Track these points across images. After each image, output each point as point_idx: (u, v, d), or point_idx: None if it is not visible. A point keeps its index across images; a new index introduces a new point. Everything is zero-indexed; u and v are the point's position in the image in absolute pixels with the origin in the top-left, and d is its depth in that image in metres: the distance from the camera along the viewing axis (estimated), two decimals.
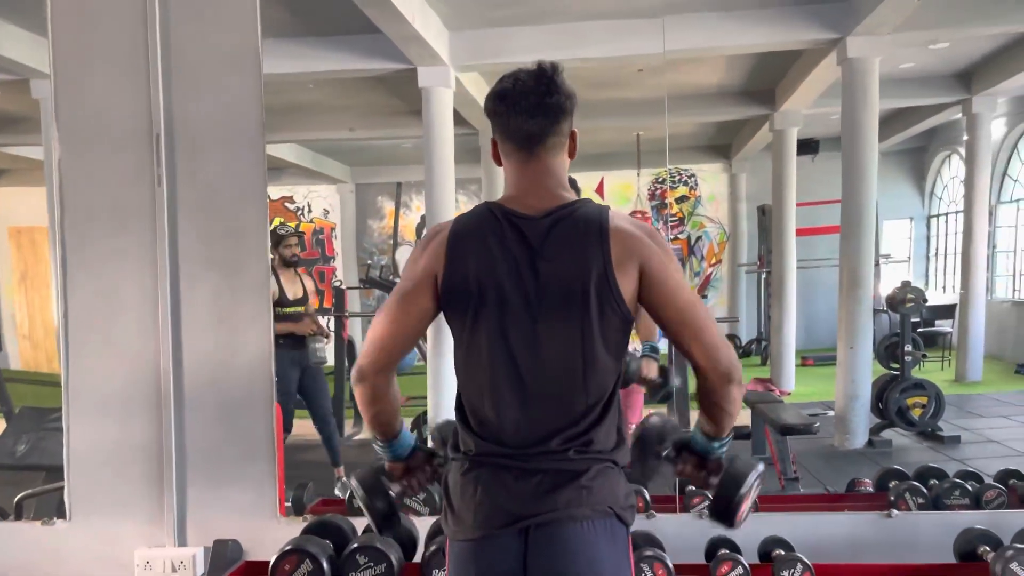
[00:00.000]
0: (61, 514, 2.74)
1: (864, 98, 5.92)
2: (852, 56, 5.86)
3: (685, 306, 1.49)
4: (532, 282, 1.48)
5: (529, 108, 1.50)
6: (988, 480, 2.88)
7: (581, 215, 1.50)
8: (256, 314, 2.64)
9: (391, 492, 1.64)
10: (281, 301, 4.87)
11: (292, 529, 2.52)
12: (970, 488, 2.60)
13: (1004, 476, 2.74)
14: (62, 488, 2.72)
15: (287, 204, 12.68)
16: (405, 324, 1.53)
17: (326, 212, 12.54)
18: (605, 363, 1.49)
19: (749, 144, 10.63)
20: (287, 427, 4.95)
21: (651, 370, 3.09)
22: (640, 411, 4.53)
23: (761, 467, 1.62)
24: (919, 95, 8.25)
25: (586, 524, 1.45)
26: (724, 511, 1.57)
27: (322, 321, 5.25)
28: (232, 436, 2.65)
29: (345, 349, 6.55)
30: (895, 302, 6.10)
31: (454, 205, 6.63)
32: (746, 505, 1.56)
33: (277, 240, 4.93)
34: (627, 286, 1.48)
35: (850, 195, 5.99)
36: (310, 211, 12.59)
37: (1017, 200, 9.59)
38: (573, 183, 3.45)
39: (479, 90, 7.71)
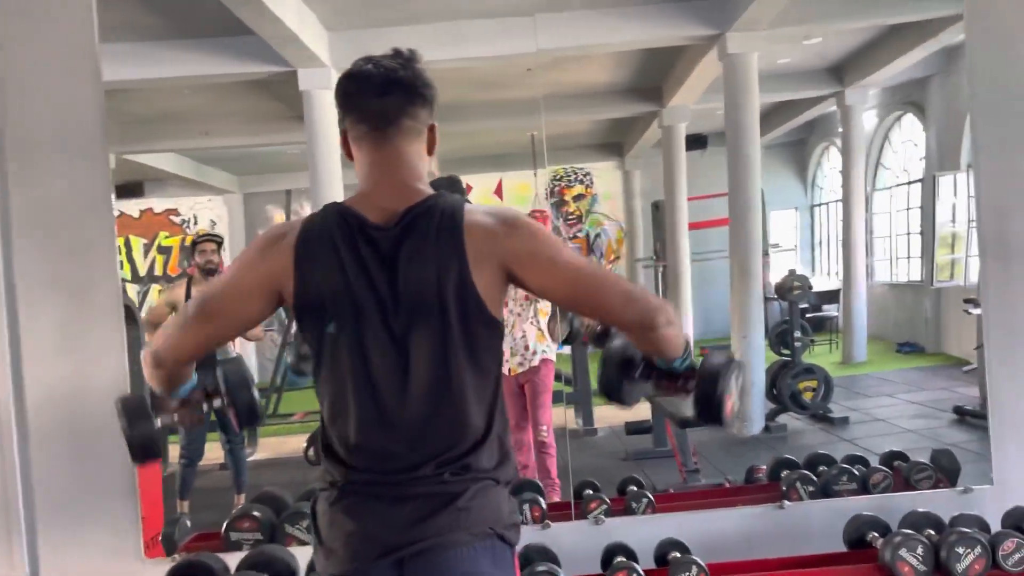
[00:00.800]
0: None
1: (745, 93, 6.05)
2: (732, 52, 5.97)
3: (573, 279, 1.40)
4: (388, 293, 1.37)
5: (383, 84, 1.42)
6: (874, 463, 2.92)
7: (435, 215, 1.39)
8: (110, 337, 2.41)
9: (156, 422, 1.52)
10: None
11: (157, 572, 2.31)
12: (857, 472, 2.62)
13: (889, 458, 2.79)
14: None
15: (172, 217, 12.06)
16: (227, 327, 1.46)
17: (213, 224, 11.97)
18: (475, 375, 1.38)
19: (640, 141, 10.77)
20: (199, 453, 4.63)
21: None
22: (550, 411, 4.44)
23: (737, 359, 1.56)
24: (796, 89, 8.54)
25: (465, 549, 1.34)
26: (709, 411, 1.50)
27: None
28: (87, 473, 2.41)
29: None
30: (783, 290, 6.27)
31: None
32: (730, 401, 1.51)
33: (192, 247, 4.64)
34: (490, 288, 1.37)
35: (736, 188, 6.11)
36: (196, 223, 12.01)
37: (890, 187, 10.07)
38: (456, 184, 3.32)
39: None
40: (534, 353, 4.33)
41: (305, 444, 6.17)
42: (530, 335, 4.32)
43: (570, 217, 12.77)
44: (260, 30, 5.11)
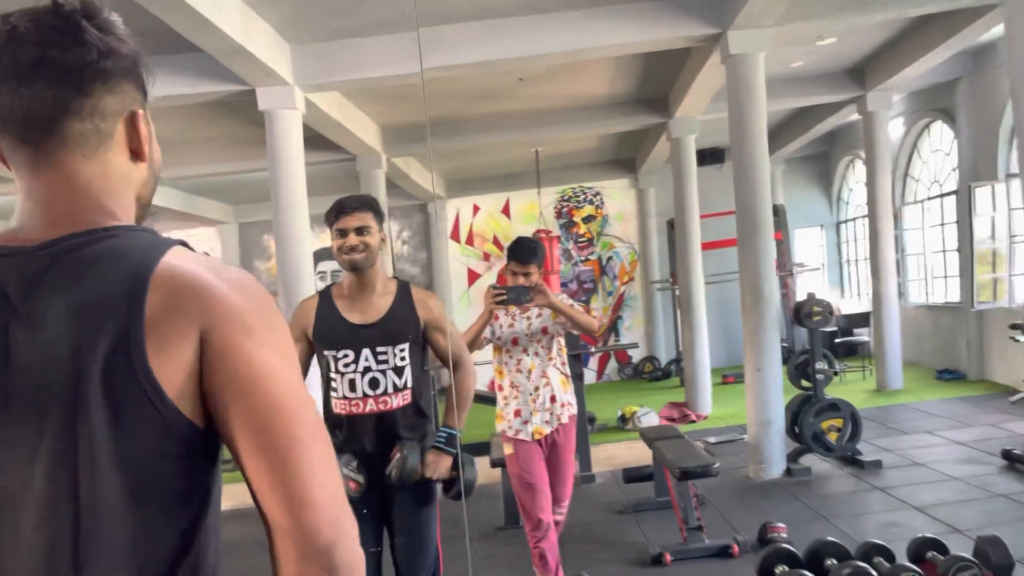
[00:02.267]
0: None
1: (750, 97, 5.42)
2: (735, 52, 5.37)
3: (270, 411, 0.79)
4: None
5: (21, 66, 0.81)
6: (910, 538, 2.25)
7: (108, 248, 0.81)
8: None
9: None
10: None
11: None
12: (876, 573, 1.96)
13: (919, 548, 2.12)
14: None
15: None
16: None
17: (207, 255, 11.58)
18: (140, 517, 0.78)
19: (652, 156, 10.18)
20: None
21: (440, 467, 2.40)
22: (572, 480, 3.44)
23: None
24: (812, 94, 7.89)
25: None
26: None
27: None
28: None
29: None
30: (801, 315, 5.57)
31: (309, 244, 5.87)
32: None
33: None
34: (177, 369, 0.78)
35: (743, 203, 5.47)
36: None
37: (921, 200, 9.32)
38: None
39: (345, 112, 7.01)
40: (563, 406, 3.30)
41: None
42: (555, 381, 3.31)
43: (581, 239, 12.18)
44: (200, 41, 4.60)
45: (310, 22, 5.25)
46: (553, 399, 3.28)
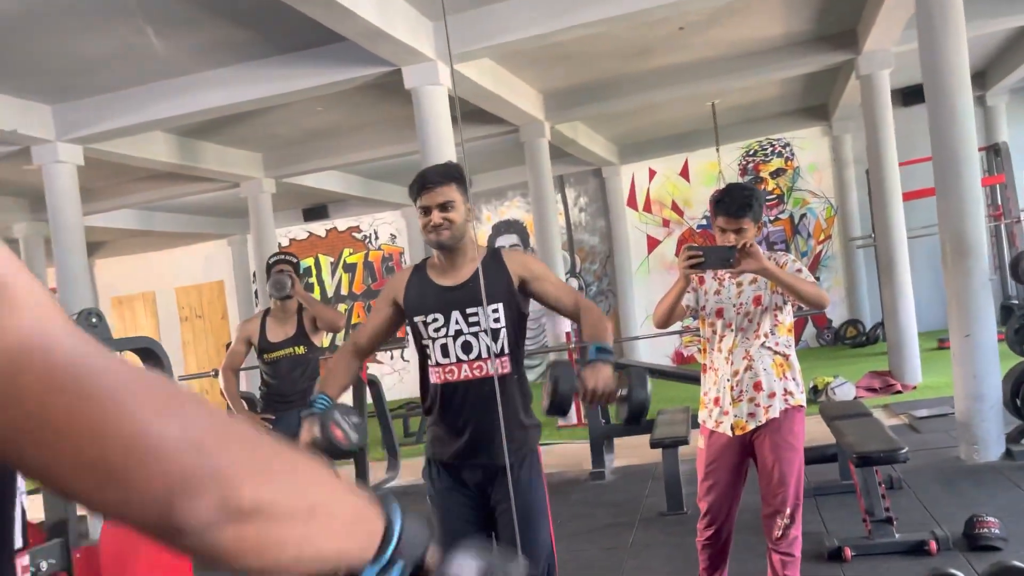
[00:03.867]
0: None
1: (944, 16, 4.62)
2: None
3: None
4: None
5: None
6: None
7: None
8: None
9: None
10: (262, 347, 3.98)
11: None
12: None
13: None
14: None
15: (354, 234, 12.29)
16: None
17: (393, 237, 12.04)
18: None
19: (845, 98, 9.18)
20: None
21: (600, 376, 2.00)
22: (798, 487, 2.68)
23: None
24: None
25: None
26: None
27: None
28: None
29: (366, 391, 5.84)
30: (1019, 270, 4.73)
31: None
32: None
33: (267, 270, 4.07)
34: None
35: (940, 145, 4.70)
36: (377, 238, 12.13)
37: None
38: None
39: (501, 82, 6.86)
40: (772, 395, 2.63)
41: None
42: (761, 364, 2.65)
43: (770, 197, 11.29)
44: (338, 26, 4.64)
45: None
46: (758, 386, 2.63)
